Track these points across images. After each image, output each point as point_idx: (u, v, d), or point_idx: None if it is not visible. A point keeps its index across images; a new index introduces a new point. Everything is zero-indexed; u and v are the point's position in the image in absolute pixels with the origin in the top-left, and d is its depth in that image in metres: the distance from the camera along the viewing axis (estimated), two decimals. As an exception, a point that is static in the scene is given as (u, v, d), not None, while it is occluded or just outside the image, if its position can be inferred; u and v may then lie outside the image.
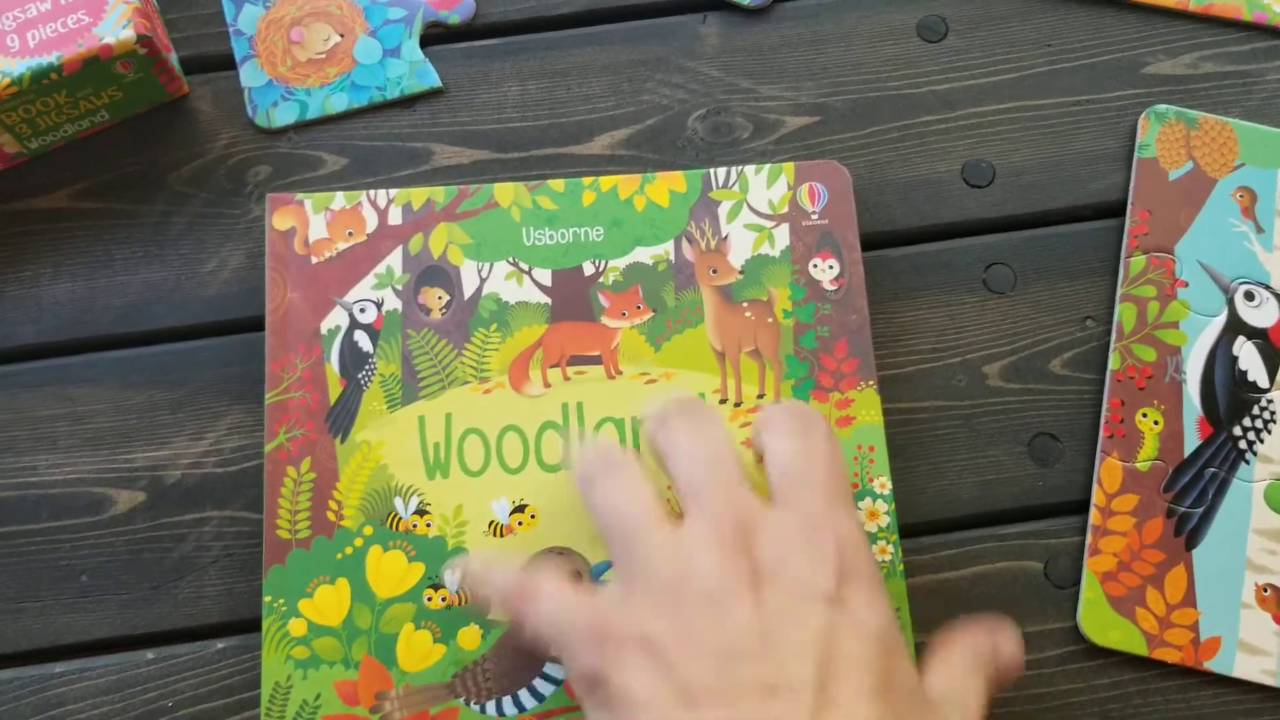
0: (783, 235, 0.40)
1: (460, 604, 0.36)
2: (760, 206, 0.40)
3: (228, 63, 0.44)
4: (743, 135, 0.43)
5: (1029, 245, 0.42)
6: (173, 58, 0.42)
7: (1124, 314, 0.40)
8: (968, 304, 0.41)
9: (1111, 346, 0.40)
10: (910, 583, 0.37)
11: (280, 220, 0.40)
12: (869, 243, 0.41)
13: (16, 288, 0.41)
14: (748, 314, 0.39)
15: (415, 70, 0.43)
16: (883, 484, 0.37)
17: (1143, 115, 0.42)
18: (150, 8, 0.42)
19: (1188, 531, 0.38)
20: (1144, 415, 0.39)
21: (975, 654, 0.32)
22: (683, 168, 0.42)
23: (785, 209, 0.40)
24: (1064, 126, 0.43)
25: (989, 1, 0.44)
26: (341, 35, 0.44)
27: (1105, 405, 0.39)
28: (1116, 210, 0.42)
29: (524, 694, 0.35)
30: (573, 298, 0.39)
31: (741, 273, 0.40)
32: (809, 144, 0.43)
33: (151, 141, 0.42)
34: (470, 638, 0.36)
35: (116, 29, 0.39)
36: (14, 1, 0.39)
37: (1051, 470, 0.39)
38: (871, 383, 0.38)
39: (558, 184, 0.40)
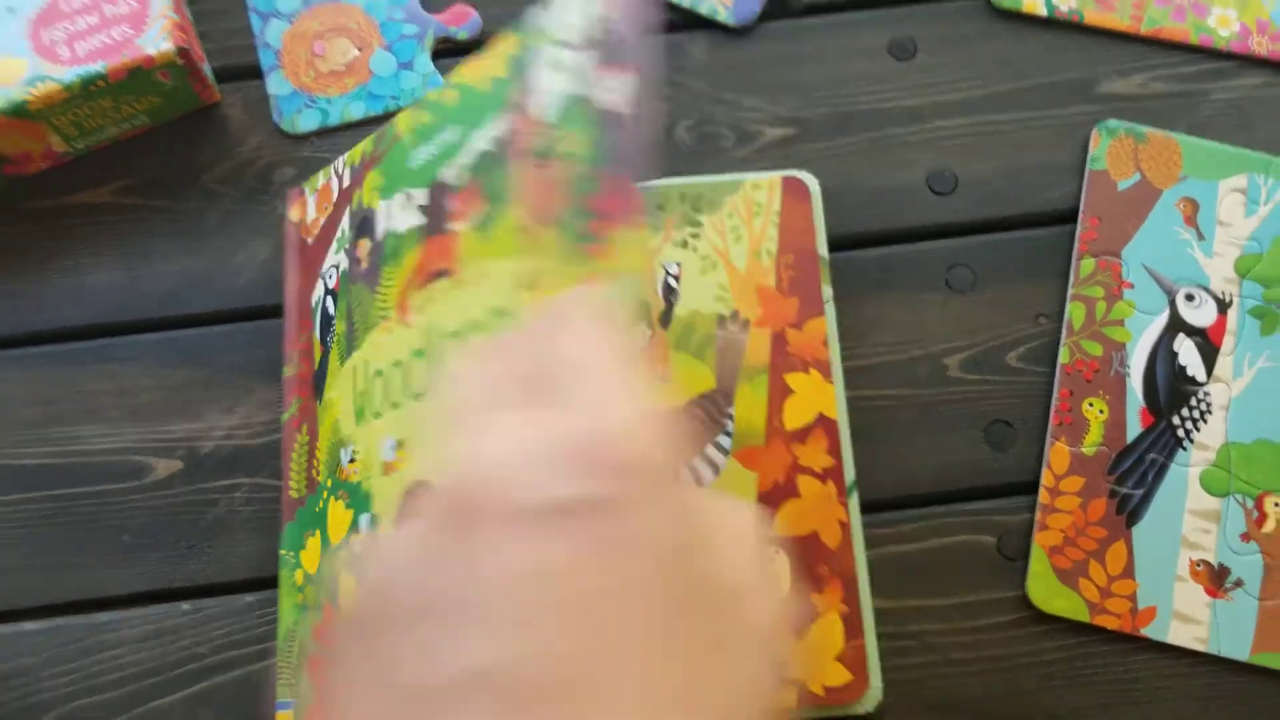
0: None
1: None
2: (570, 38, 0.32)
3: (256, 73, 0.47)
4: (726, 144, 0.46)
5: (988, 248, 0.45)
6: (206, 68, 0.46)
7: (1074, 312, 0.44)
8: (931, 302, 0.44)
9: (1062, 342, 0.43)
10: (874, 553, 0.41)
11: (294, 212, 0.43)
12: (840, 244, 0.45)
13: (64, 275, 0.45)
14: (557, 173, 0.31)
15: (427, 81, 0.47)
16: None
17: (1095, 130, 0.46)
18: (186, 22, 0.46)
19: (1128, 511, 0.41)
20: (1090, 405, 0.43)
21: None
22: (672, 173, 0.45)
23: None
24: (1022, 140, 0.46)
25: (956, 23, 0.48)
26: (359, 49, 0.47)
27: (1055, 395, 0.43)
28: (1069, 217, 0.45)
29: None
30: (436, 212, 0.36)
31: (554, 126, 0.31)
32: (786, 153, 0.46)
33: (186, 144, 0.46)
34: None
35: (158, 41, 0.43)
36: (65, 15, 0.43)
37: (1005, 454, 0.43)
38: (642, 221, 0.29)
39: (433, 93, 0.38)
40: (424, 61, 0.47)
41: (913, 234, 0.45)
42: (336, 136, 0.46)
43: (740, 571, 0.23)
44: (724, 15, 0.48)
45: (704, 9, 0.48)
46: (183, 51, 0.43)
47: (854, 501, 0.41)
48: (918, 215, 0.45)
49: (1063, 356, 0.43)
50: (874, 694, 0.39)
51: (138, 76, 0.43)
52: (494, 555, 0.20)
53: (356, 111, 0.47)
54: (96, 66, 0.42)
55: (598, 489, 0.20)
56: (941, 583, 0.41)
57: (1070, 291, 0.44)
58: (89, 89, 0.43)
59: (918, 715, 0.40)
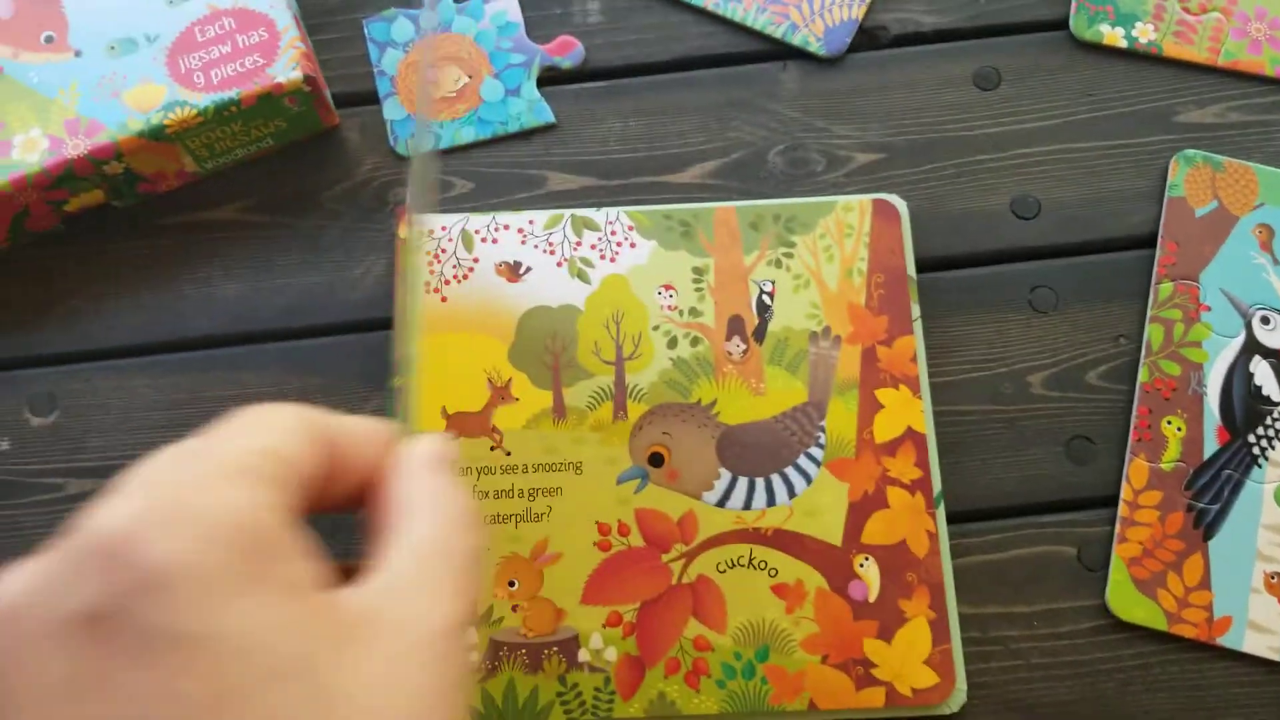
0: None
1: None
2: None
3: (372, 99, 0.50)
4: (817, 169, 0.49)
5: (1070, 271, 0.47)
6: (328, 94, 0.49)
7: (1153, 333, 0.46)
8: (1014, 321, 0.46)
9: (1141, 361, 0.45)
10: (959, 562, 0.43)
11: (403, 230, 0.46)
12: (927, 265, 0.47)
13: (193, 287, 0.48)
14: None
15: (533, 108, 0.50)
16: None
17: (1173, 159, 0.48)
18: (310, 50, 0.48)
19: (1205, 525, 0.43)
20: (1169, 422, 0.45)
21: None
22: (763, 197, 0.48)
23: None
24: (1103, 167, 0.48)
25: (1038, 55, 0.50)
26: (469, 77, 0.50)
27: (1135, 413, 0.45)
28: (1148, 242, 0.47)
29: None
30: None
31: None
32: (875, 178, 0.48)
33: (308, 165, 0.49)
34: None
35: (287, 70, 0.46)
36: (199, 44, 0.46)
37: (1086, 468, 0.45)
38: None
39: None
40: (530, 89, 0.50)
41: (997, 256, 0.47)
42: (447, 159, 0.49)
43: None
44: (815, 46, 0.50)
45: (796, 40, 0.50)
46: (309, 79, 0.46)
47: (941, 512, 0.43)
48: (1002, 238, 0.47)
49: (1142, 375, 0.45)
50: (959, 695, 0.41)
51: (267, 102, 0.46)
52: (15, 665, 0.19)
53: (467, 135, 0.49)
54: (230, 93, 0.45)
55: (99, 596, 0.19)
56: (1024, 591, 0.43)
57: (1149, 313, 0.46)
58: (222, 114, 0.45)
59: (1000, 717, 0.42)
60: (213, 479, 0.22)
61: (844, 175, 0.48)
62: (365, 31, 0.51)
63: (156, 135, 0.45)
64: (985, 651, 0.42)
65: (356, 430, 0.26)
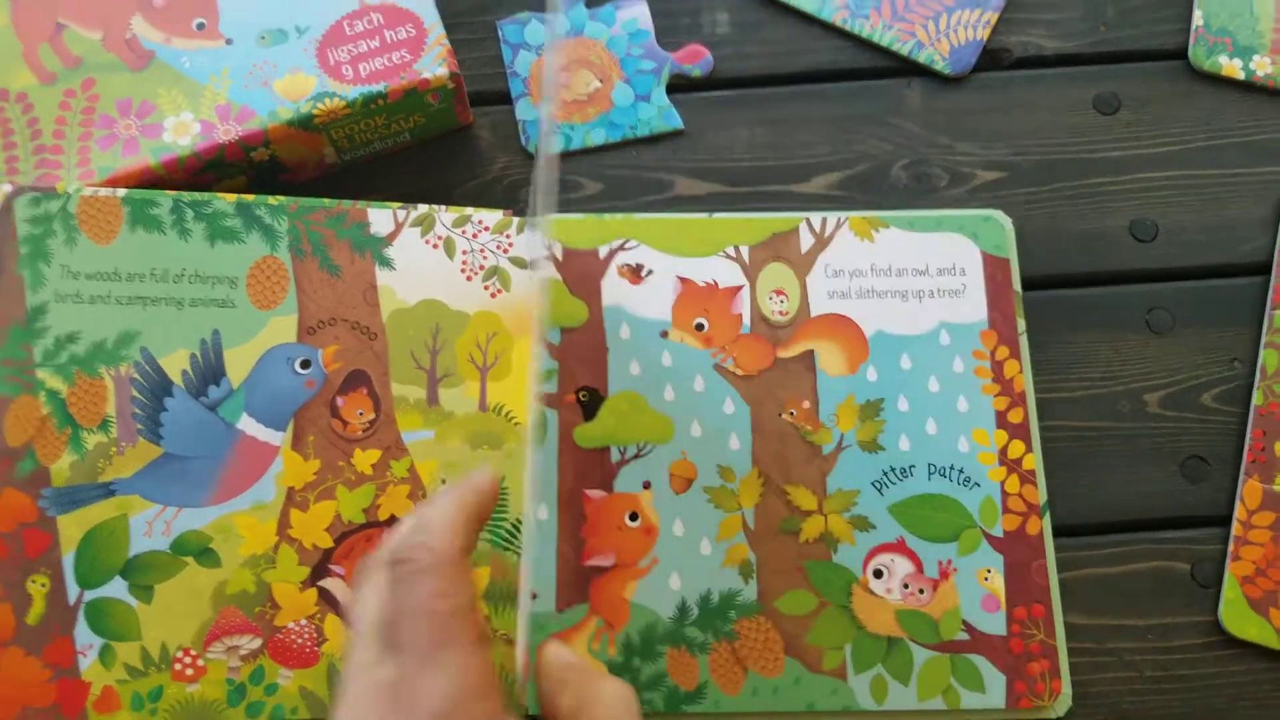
0: None
1: None
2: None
3: (505, 99, 0.51)
4: (940, 183, 0.50)
5: (1186, 294, 0.48)
6: (465, 91, 0.50)
7: (1267, 358, 0.47)
8: (1132, 341, 0.47)
9: (1256, 385, 0.46)
10: (1072, 575, 0.44)
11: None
12: (1046, 283, 0.48)
13: (327, 276, 0.49)
14: None
15: (662, 114, 0.51)
16: None
17: (1289, 189, 0.49)
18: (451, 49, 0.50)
19: (1317, 547, 0.44)
20: (1282, 445, 0.46)
21: None
22: (888, 208, 0.49)
23: None
24: (1219, 194, 0.49)
25: (1157, 83, 0.51)
26: (601, 81, 0.51)
27: (1249, 435, 0.46)
28: (1263, 269, 0.48)
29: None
30: None
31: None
32: (997, 195, 0.49)
33: (441, 161, 0.50)
34: None
35: (433, 66, 0.47)
36: (348, 38, 0.47)
37: (1200, 487, 0.46)
38: None
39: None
40: (659, 95, 0.51)
41: (1116, 277, 0.48)
42: (577, 160, 0.50)
43: None
44: (941, 65, 0.51)
45: (922, 57, 0.51)
46: (454, 76, 0.47)
47: (1046, 521, 0.44)
48: (1120, 260, 0.49)
49: (1256, 399, 0.46)
50: (1064, 700, 0.42)
51: (412, 97, 0.47)
52: None
53: (596, 138, 0.50)
54: (378, 87, 0.46)
55: None
56: (1138, 604, 0.44)
57: (1264, 339, 0.47)
58: (369, 107, 0.47)
59: (1110, 727, 0.43)
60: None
61: (966, 191, 0.49)
62: (499, 33, 0.52)
63: (305, 124, 0.46)
64: (1100, 662, 0.43)
65: (471, 515, 0.33)
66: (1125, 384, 0.47)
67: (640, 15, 0.52)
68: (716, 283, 0.47)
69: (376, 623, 0.29)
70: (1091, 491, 0.45)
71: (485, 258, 0.45)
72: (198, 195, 0.44)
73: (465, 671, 0.28)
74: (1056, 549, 0.44)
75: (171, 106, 0.46)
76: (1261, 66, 0.51)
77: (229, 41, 0.47)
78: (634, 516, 0.44)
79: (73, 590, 0.41)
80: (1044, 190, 0.49)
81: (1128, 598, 0.44)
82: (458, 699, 0.28)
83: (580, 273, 0.47)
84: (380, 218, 0.45)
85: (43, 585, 0.41)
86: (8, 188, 0.44)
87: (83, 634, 0.40)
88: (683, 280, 0.47)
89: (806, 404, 0.45)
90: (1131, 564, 0.45)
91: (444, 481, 0.43)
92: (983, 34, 0.52)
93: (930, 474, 0.44)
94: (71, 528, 0.41)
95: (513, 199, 0.50)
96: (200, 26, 0.48)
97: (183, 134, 0.46)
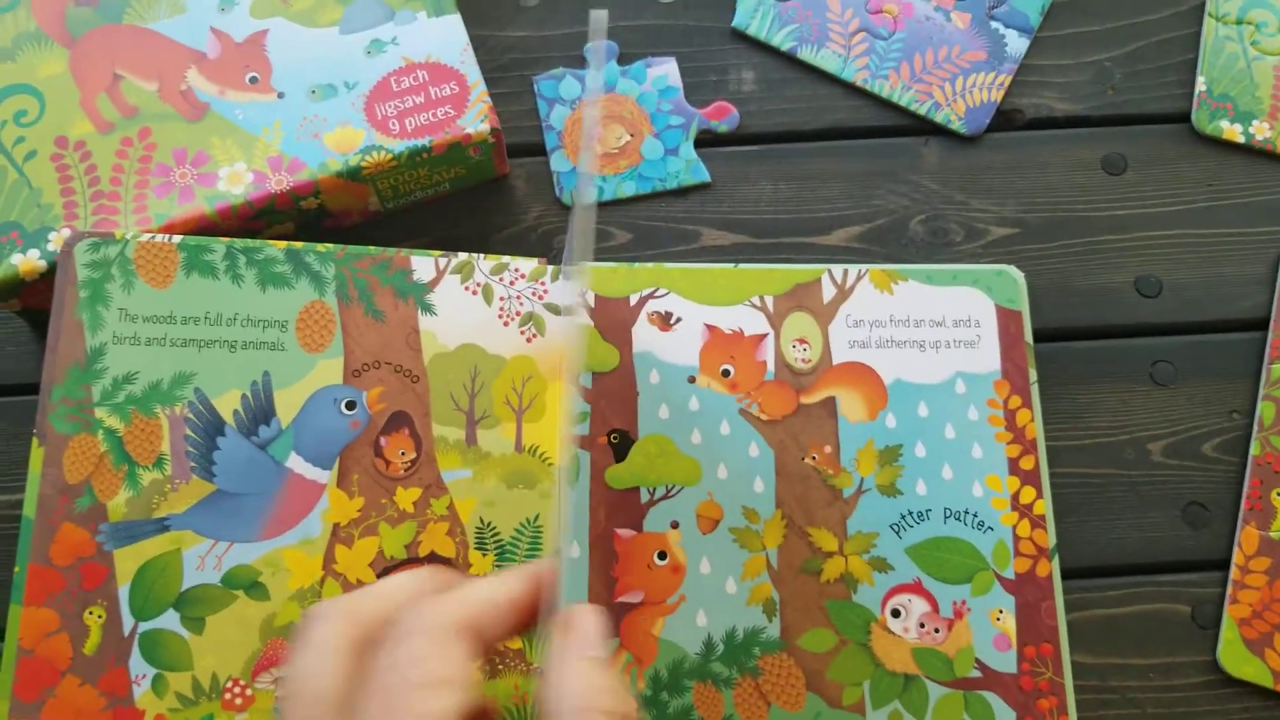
0: None
1: None
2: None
3: (539, 150, 0.54)
4: (956, 238, 0.52)
5: (1188, 348, 0.51)
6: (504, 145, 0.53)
7: (1265, 410, 0.49)
8: (1137, 392, 0.50)
9: (1253, 436, 0.49)
10: (1079, 615, 0.46)
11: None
12: (1055, 335, 0.50)
13: (369, 318, 0.51)
14: None
15: (690, 167, 0.53)
16: None
17: (1286, 248, 0.52)
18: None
19: (1311, 591, 0.47)
20: (1278, 494, 0.48)
21: None
22: (905, 262, 0.51)
23: None
24: (1220, 252, 0.52)
25: (1163, 145, 0.54)
26: (631, 135, 0.54)
27: (1247, 483, 0.48)
28: (1262, 325, 0.51)
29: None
30: None
31: None
32: (1009, 250, 0.52)
33: (478, 209, 0.53)
34: None
35: (475, 122, 0.49)
36: (394, 93, 0.50)
37: (1200, 533, 0.48)
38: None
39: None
40: (688, 149, 0.54)
41: (1121, 331, 0.51)
42: (608, 211, 0.53)
43: None
44: (956, 124, 0.54)
45: (939, 117, 0.54)
46: (494, 132, 0.49)
47: (1055, 564, 0.46)
48: (1126, 314, 0.51)
49: (1254, 449, 0.48)
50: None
51: (454, 151, 0.49)
52: None
53: (627, 190, 0.53)
54: (423, 141, 0.49)
55: None
56: (1141, 644, 0.46)
57: (1262, 392, 0.49)
58: (414, 159, 0.49)
59: (1114, 762, 0.45)
60: None
61: (981, 246, 0.52)
62: (535, 88, 0.55)
63: (353, 176, 0.48)
64: (1105, 699, 0.45)
65: (496, 602, 0.30)
66: (1130, 433, 0.49)
67: (670, 73, 0.55)
68: (742, 330, 0.49)
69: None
70: (1098, 535, 0.48)
71: (521, 304, 0.47)
72: (250, 241, 0.46)
73: None
74: (1064, 590, 0.46)
75: (226, 156, 0.48)
76: (1260, 131, 0.53)
77: (281, 95, 0.50)
78: (662, 555, 0.46)
79: (128, 621, 0.43)
80: (1053, 246, 0.52)
81: (1131, 638, 0.46)
82: None
83: (612, 319, 0.49)
84: (423, 265, 0.47)
85: (99, 616, 0.43)
86: (67, 233, 0.47)
87: (137, 664, 0.42)
88: (710, 328, 0.49)
89: (828, 448, 0.47)
90: (1134, 605, 0.47)
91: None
92: (997, 95, 0.54)
93: (946, 518, 0.46)
94: (127, 561, 0.43)
95: (547, 247, 0.52)
96: (253, 80, 0.50)
97: (236, 183, 0.48)
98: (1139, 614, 0.47)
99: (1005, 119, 0.55)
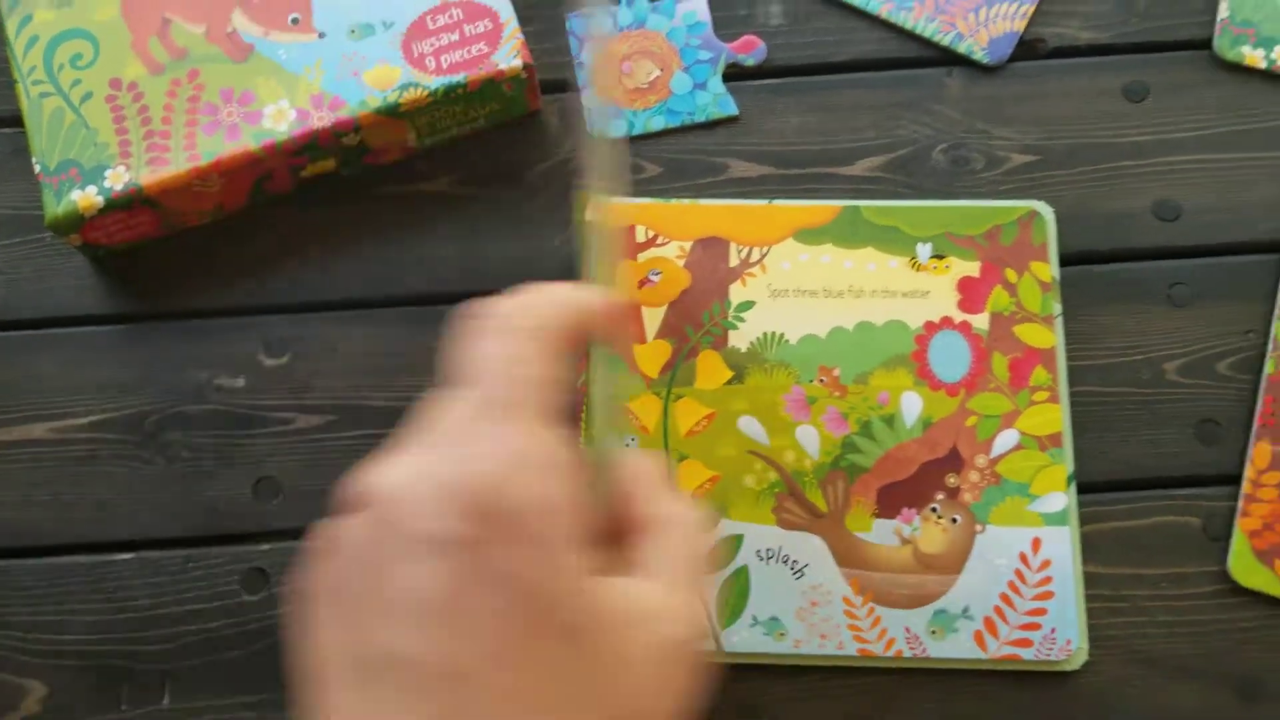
0: None
1: None
2: None
3: (571, 87, 0.55)
4: (977, 167, 0.53)
5: (1205, 270, 0.52)
6: (537, 80, 0.54)
7: (1279, 330, 0.50)
8: (1154, 313, 0.51)
9: (1268, 354, 0.50)
10: (1096, 527, 0.48)
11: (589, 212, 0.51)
12: (1076, 259, 0.52)
13: (408, 250, 0.53)
14: None
15: (718, 100, 0.55)
16: None
17: (1305, 172, 0.52)
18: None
19: (1321, 504, 0.48)
20: (1291, 411, 0.49)
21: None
22: (927, 191, 0.53)
23: None
24: (1239, 177, 0.53)
25: (1184, 71, 0.54)
26: (661, 70, 0.55)
27: (1260, 400, 0.49)
28: (1278, 247, 0.52)
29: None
30: None
31: None
32: (1030, 178, 0.53)
33: (512, 145, 0.54)
34: None
35: (509, 58, 0.51)
36: (431, 31, 0.51)
37: (1213, 449, 0.49)
38: None
39: None
40: (716, 83, 0.55)
41: (1140, 254, 0.52)
42: (639, 145, 0.54)
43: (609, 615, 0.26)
44: (979, 54, 0.55)
45: (962, 48, 0.55)
46: (527, 67, 0.51)
47: (1072, 489, 0.48)
48: (1145, 238, 0.52)
49: (1268, 367, 0.50)
50: (1080, 654, 0.46)
51: (489, 87, 0.51)
52: (398, 564, 0.25)
53: (656, 124, 0.54)
54: (458, 77, 0.50)
55: (465, 530, 0.25)
56: (1152, 555, 0.48)
57: (1277, 311, 0.50)
58: (449, 96, 0.51)
59: (1124, 666, 0.47)
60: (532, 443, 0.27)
61: (1001, 174, 0.53)
62: (568, 25, 0.56)
63: (391, 112, 0.50)
64: (1115, 608, 0.47)
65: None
66: (1146, 353, 0.51)
67: (698, 8, 0.56)
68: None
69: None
70: (1112, 451, 0.49)
71: None
72: None
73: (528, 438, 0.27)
74: (1079, 504, 0.48)
75: (269, 95, 0.50)
76: (1282, 55, 0.54)
77: (321, 35, 0.51)
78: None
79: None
80: (1074, 173, 0.53)
81: (1143, 550, 0.48)
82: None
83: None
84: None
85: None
86: (123, 170, 0.49)
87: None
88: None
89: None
90: (1147, 518, 0.49)
91: None
92: (1019, 25, 0.55)
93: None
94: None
95: (579, 180, 0.54)
96: (295, 21, 0.52)
97: (280, 120, 0.50)
98: (1151, 526, 0.48)
99: (1028, 49, 0.55)
